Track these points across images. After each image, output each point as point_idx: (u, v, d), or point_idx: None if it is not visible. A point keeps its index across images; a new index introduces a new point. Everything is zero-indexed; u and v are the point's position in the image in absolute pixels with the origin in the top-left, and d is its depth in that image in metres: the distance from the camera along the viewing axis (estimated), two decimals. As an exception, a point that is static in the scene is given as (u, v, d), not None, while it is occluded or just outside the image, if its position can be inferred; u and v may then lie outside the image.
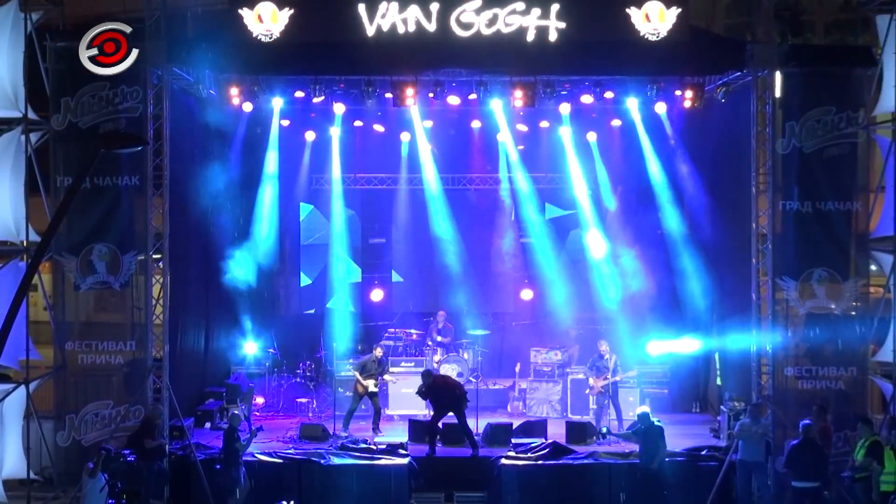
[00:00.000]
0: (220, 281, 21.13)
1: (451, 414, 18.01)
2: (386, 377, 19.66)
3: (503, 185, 22.92)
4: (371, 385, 19.27)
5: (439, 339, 21.66)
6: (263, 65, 17.68)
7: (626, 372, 19.36)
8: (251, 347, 21.69)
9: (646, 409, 17.06)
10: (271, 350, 21.69)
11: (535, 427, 18.74)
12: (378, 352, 19.74)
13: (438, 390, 18.16)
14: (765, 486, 16.72)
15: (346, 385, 20.30)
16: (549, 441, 17.99)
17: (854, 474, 15.50)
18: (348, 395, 19.89)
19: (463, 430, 17.98)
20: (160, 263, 17.93)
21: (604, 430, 17.81)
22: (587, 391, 19.63)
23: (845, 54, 18.62)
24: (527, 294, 23.16)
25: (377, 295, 23.17)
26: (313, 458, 17.41)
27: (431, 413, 18.39)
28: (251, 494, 16.79)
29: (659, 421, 16.93)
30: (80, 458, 16.63)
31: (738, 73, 18.16)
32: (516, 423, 18.86)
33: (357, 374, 19.39)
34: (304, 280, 23.49)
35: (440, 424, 18.10)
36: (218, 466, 16.95)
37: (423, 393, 18.35)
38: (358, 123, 22.12)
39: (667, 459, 16.82)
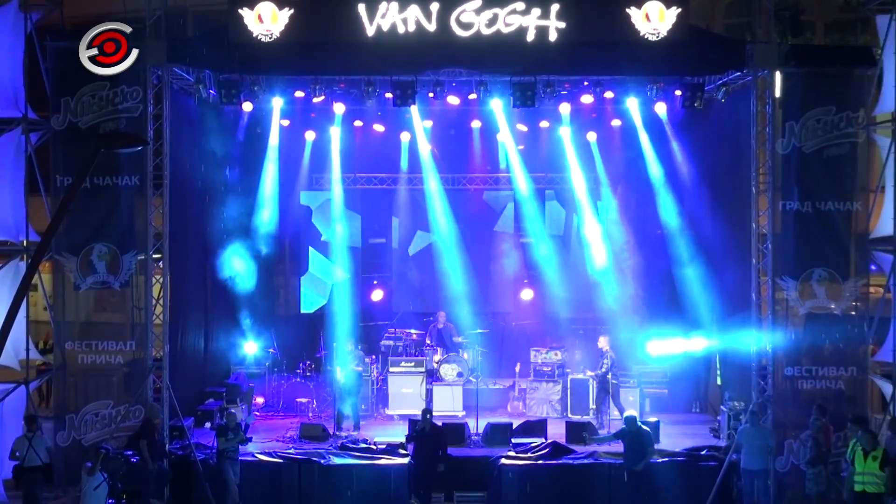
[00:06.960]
0: (220, 281, 21.12)
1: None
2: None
3: (503, 184, 22.92)
4: None
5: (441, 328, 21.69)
6: (263, 65, 17.67)
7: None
8: (251, 347, 21.70)
9: (633, 412, 17.04)
10: (271, 350, 21.68)
11: (535, 427, 18.72)
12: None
13: (426, 440, 16.93)
14: (764, 493, 16.48)
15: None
16: (549, 441, 17.97)
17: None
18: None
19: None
20: (160, 263, 17.93)
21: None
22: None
23: (845, 54, 18.58)
24: (527, 294, 23.12)
25: (377, 295, 23.15)
26: (313, 458, 17.39)
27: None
28: (244, 493, 16.76)
29: (647, 426, 16.89)
30: (80, 457, 16.57)
31: (738, 73, 18.16)
32: (516, 423, 18.84)
33: None
34: (304, 279, 23.47)
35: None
36: (212, 462, 16.97)
37: (410, 438, 17.13)
38: (358, 123, 22.10)
39: (667, 460, 16.83)
